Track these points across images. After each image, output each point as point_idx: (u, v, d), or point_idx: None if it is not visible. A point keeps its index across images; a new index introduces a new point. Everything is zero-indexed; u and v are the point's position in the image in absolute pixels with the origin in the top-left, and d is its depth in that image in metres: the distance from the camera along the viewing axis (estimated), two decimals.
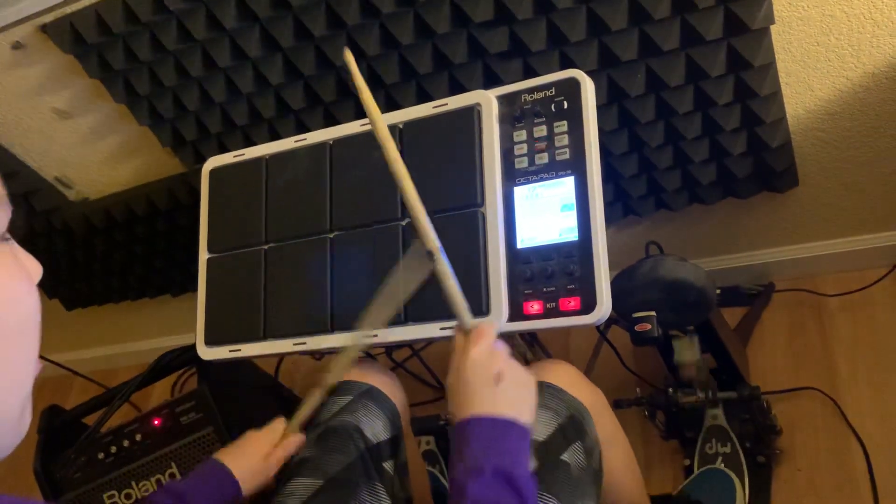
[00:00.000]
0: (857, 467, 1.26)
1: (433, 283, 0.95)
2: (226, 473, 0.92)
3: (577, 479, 0.85)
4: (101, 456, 1.33)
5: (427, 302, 0.96)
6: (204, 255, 1.14)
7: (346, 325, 1.01)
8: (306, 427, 1.00)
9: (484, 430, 0.74)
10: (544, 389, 0.92)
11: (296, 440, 0.97)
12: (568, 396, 0.92)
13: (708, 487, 1.25)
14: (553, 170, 0.94)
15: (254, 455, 0.95)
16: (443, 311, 0.94)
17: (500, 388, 0.75)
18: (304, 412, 0.98)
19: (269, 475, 0.96)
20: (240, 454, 0.95)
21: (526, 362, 1.25)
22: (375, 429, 0.98)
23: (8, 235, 0.52)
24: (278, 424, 0.99)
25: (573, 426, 0.89)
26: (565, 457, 0.85)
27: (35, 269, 0.56)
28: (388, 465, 0.97)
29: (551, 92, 0.97)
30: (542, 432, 0.87)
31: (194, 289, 1.16)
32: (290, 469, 0.96)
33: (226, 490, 0.91)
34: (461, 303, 0.76)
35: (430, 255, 0.79)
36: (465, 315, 0.77)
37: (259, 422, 1.37)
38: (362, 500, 0.91)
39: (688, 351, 1.28)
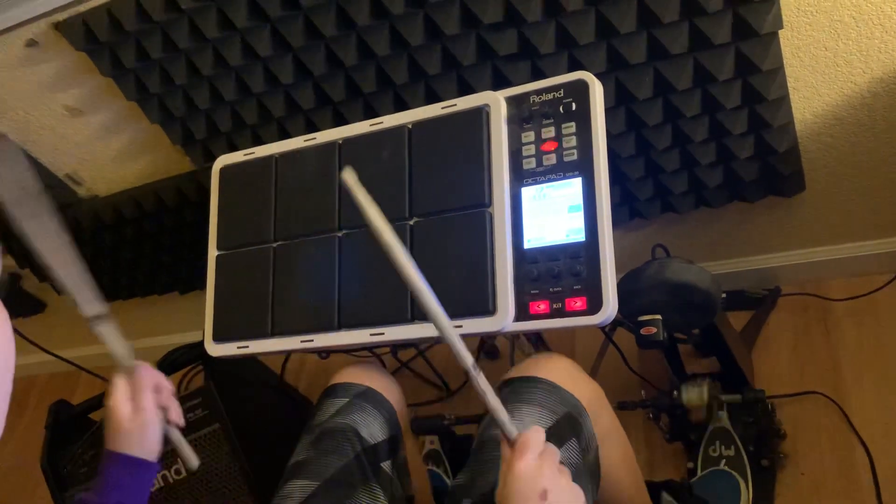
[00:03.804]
0: (862, 472, 1.26)
1: (441, 281, 0.95)
2: (126, 460, 0.87)
3: (572, 478, 0.84)
4: None
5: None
6: (213, 252, 1.15)
7: (353, 323, 1.01)
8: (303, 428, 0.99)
9: None
10: (540, 386, 0.91)
11: (141, 372, 0.92)
12: (564, 393, 0.91)
13: (713, 488, 1.26)
14: (561, 171, 0.95)
15: (122, 424, 0.89)
16: (450, 309, 0.94)
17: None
18: (118, 352, 0.93)
19: (149, 422, 0.90)
20: (118, 434, 0.89)
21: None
22: (372, 429, 0.98)
23: None
24: (118, 382, 0.92)
25: (569, 423, 0.88)
26: (560, 455, 0.85)
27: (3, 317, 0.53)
28: (385, 466, 0.97)
29: (560, 93, 0.97)
30: None
31: (202, 286, 1.16)
32: (286, 471, 0.96)
33: (138, 473, 0.88)
34: (504, 416, 0.73)
35: (465, 373, 0.73)
36: (509, 427, 0.73)
37: (264, 420, 1.38)
38: (359, 502, 0.91)
39: (696, 398, 1.28)
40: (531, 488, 0.70)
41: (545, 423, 0.87)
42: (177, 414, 0.94)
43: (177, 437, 0.95)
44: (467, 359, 0.71)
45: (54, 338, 2.01)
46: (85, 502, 0.87)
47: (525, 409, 0.89)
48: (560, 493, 0.72)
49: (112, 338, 0.93)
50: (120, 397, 0.91)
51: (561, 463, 0.74)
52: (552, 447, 0.74)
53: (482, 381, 0.72)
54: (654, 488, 1.28)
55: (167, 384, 0.94)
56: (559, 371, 0.94)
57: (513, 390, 0.92)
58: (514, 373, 0.95)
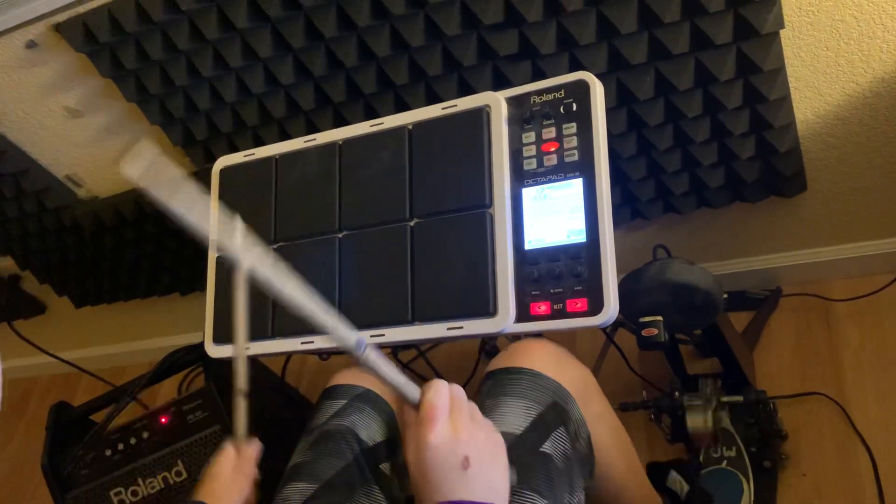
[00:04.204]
0: (864, 473, 1.26)
1: (441, 282, 0.95)
2: None
3: (560, 470, 0.83)
4: (108, 453, 1.34)
5: (434, 302, 0.96)
6: (213, 254, 1.15)
7: (353, 325, 1.01)
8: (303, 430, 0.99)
9: None
10: (523, 376, 0.90)
11: (252, 447, 0.93)
12: (549, 381, 0.89)
13: (714, 488, 1.25)
14: (561, 171, 0.95)
15: (223, 482, 0.90)
16: (451, 310, 0.94)
17: (468, 473, 0.66)
18: (239, 420, 0.94)
19: (246, 490, 0.91)
20: (213, 486, 0.90)
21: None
22: (371, 431, 0.98)
23: None
24: (227, 448, 0.93)
25: (555, 412, 0.87)
26: (546, 447, 0.84)
27: None
28: (384, 467, 0.97)
29: (560, 94, 0.97)
30: (519, 425, 0.85)
31: (203, 287, 1.16)
32: (284, 474, 0.96)
33: None
34: (402, 381, 0.69)
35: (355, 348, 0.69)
36: (411, 391, 0.68)
37: (265, 420, 1.37)
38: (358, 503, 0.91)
39: (701, 423, 1.26)
40: (451, 459, 0.66)
41: (529, 416, 0.86)
42: (254, 500, 0.94)
43: None
44: (350, 339, 0.66)
45: (55, 339, 2.01)
46: None
47: (509, 402, 0.88)
48: (481, 453, 0.68)
49: (243, 412, 0.94)
50: (227, 459, 0.92)
51: (470, 401, 0.69)
52: (458, 395, 0.70)
53: (372, 356, 0.67)
54: (661, 468, 1.27)
55: (257, 472, 0.95)
56: (543, 358, 0.92)
57: (496, 382, 0.91)
58: (498, 362, 0.94)
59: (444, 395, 0.69)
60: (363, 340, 0.67)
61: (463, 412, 0.70)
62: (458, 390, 0.72)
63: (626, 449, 1.05)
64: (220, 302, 1.13)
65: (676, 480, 1.25)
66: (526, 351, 0.94)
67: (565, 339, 1.62)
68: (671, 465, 1.26)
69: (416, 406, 0.69)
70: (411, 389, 0.70)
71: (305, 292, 0.67)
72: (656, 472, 1.23)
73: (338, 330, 0.67)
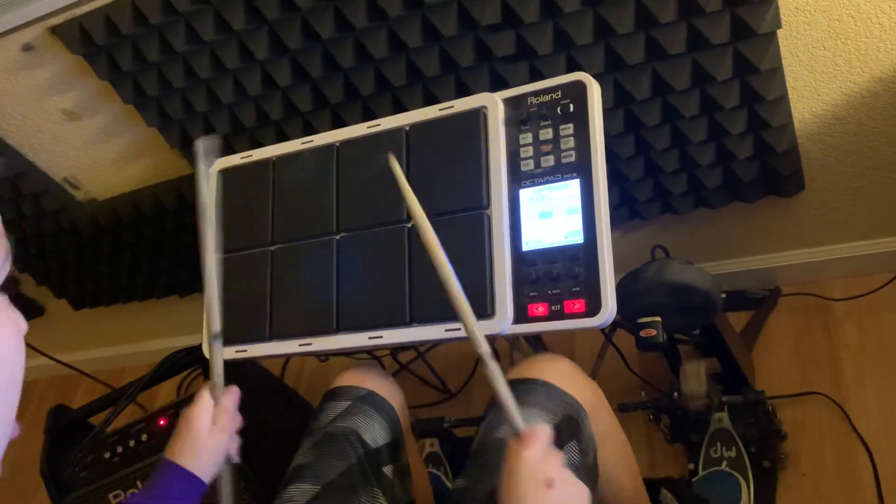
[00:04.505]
0: (863, 473, 1.26)
1: (434, 285, 0.95)
2: (183, 473, 0.88)
3: None
4: (107, 455, 1.34)
5: (432, 303, 0.96)
6: (209, 256, 1.14)
7: (351, 327, 1.01)
8: (303, 432, 0.99)
9: None
10: (539, 387, 0.91)
11: (229, 396, 0.93)
12: (564, 394, 0.91)
13: (714, 489, 1.25)
14: (559, 172, 0.95)
15: (198, 438, 0.90)
16: (448, 312, 0.94)
17: (551, 493, 0.71)
18: (215, 366, 0.94)
19: (223, 444, 0.92)
20: (187, 444, 0.90)
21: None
22: (374, 433, 0.98)
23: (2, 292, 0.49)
24: (203, 395, 0.93)
25: (568, 425, 0.88)
26: None
27: (22, 325, 0.54)
28: (387, 470, 0.97)
29: (557, 95, 0.97)
30: None
31: (201, 289, 1.16)
32: (286, 475, 0.96)
33: (189, 489, 0.88)
34: (513, 407, 0.74)
35: (479, 359, 0.75)
36: (518, 419, 0.74)
37: (264, 423, 1.37)
38: None
39: (694, 380, 1.26)
40: (538, 476, 0.71)
41: (546, 424, 0.87)
42: (236, 450, 0.94)
43: (227, 473, 0.95)
44: (483, 345, 0.72)
45: (53, 342, 2.01)
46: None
47: (525, 410, 0.88)
48: (565, 485, 0.73)
49: (219, 356, 0.95)
50: (203, 412, 0.91)
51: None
52: (557, 450, 0.75)
53: (495, 368, 0.73)
54: (652, 485, 1.27)
55: (240, 419, 0.95)
56: (558, 372, 0.94)
57: (512, 392, 0.92)
58: (513, 374, 0.95)
59: (548, 432, 0.74)
60: (490, 354, 0.73)
61: (558, 455, 0.74)
62: (556, 448, 0.76)
63: (631, 467, 1.06)
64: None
65: (668, 498, 1.25)
66: (541, 365, 0.95)
67: (564, 340, 1.63)
68: (661, 483, 1.26)
69: (515, 432, 0.74)
70: (517, 414, 0.74)
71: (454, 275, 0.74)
72: (647, 490, 1.23)
73: (476, 331, 0.73)
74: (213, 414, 0.92)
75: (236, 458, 0.95)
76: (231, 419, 0.93)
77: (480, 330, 0.74)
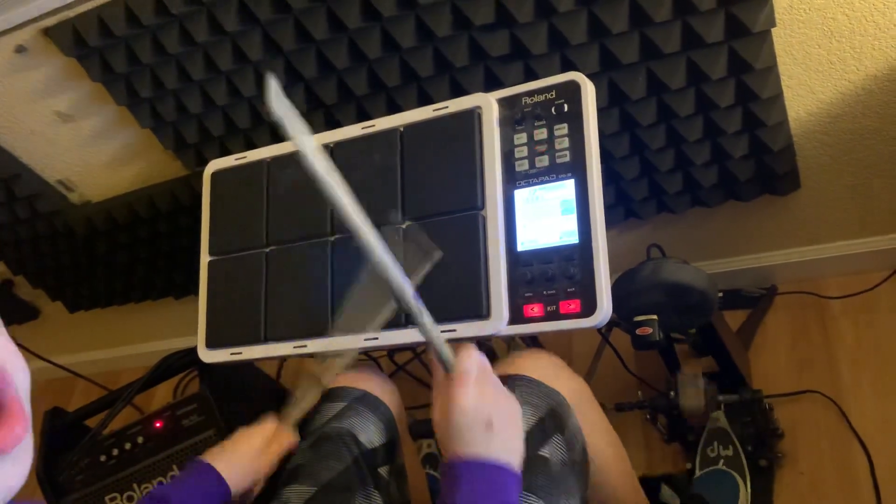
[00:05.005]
0: (860, 471, 1.26)
1: (434, 285, 0.95)
2: (214, 474, 0.90)
3: (557, 474, 0.84)
4: (103, 458, 1.33)
5: (429, 304, 0.96)
6: (205, 258, 1.14)
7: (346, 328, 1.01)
8: (300, 431, 1.00)
9: (476, 473, 0.72)
10: (522, 383, 0.91)
11: (288, 437, 0.96)
12: (547, 389, 0.91)
13: (711, 488, 1.25)
14: (553, 172, 0.94)
15: (244, 454, 0.94)
16: (444, 313, 0.94)
17: (491, 434, 0.72)
18: (296, 410, 0.97)
19: (260, 473, 0.94)
20: (229, 453, 0.94)
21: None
22: (370, 434, 0.98)
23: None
24: (270, 422, 0.98)
25: (553, 419, 0.88)
26: (544, 452, 0.85)
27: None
28: (383, 471, 0.97)
29: (552, 95, 0.97)
30: None
31: (197, 291, 1.16)
32: (283, 476, 0.96)
33: (213, 491, 0.89)
34: (442, 345, 0.72)
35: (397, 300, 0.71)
36: (446, 354, 0.72)
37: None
38: None
39: (694, 399, 1.26)
40: (476, 421, 0.72)
41: (529, 420, 0.87)
42: (258, 490, 0.97)
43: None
44: (406, 287, 0.68)
45: (49, 344, 2.01)
46: (161, 494, 0.88)
47: None
48: (502, 416, 0.74)
49: (311, 396, 0.99)
50: (264, 433, 0.96)
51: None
52: (485, 363, 0.75)
53: (423, 308, 0.71)
54: (653, 482, 1.27)
55: (277, 461, 0.97)
56: (541, 368, 0.94)
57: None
58: (497, 371, 0.95)
59: (475, 362, 0.74)
60: (417, 294, 0.71)
61: (489, 379, 0.75)
62: (485, 360, 0.76)
63: (621, 457, 1.06)
64: (213, 306, 1.12)
65: (668, 493, 1.25)
66: (524, 360, 0.95)
67: (561, 340, 1.62)
68: (661, 479, 1.26)
69: (447, 368, 0.74)
70: (447, 351, 0.74)
71: (366, 223, 0.63)
72: (647, 487, 1.23)
73: (394, 272, 0.67)
74: (268, 438, 0.96)
75: (251, 498, 0.96)
76: (280, 454, 0.96)
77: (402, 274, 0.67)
